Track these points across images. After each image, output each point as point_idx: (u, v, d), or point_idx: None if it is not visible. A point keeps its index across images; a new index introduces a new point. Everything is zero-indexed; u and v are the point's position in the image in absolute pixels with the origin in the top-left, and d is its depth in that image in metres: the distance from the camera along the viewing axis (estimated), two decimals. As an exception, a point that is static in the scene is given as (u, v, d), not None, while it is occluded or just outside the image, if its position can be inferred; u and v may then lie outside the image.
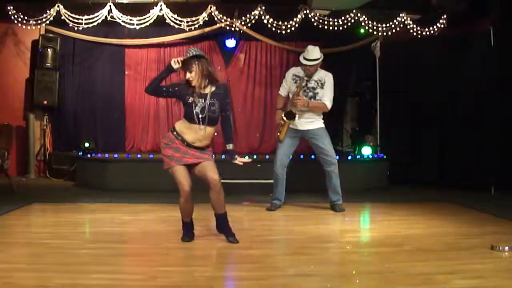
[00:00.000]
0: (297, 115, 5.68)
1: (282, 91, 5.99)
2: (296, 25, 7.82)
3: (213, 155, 4.35)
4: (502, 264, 3.77)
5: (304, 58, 5.68)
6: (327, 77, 5.80)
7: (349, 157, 8.08)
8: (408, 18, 7.96)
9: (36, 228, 4.80)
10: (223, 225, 4.34)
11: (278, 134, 5.87)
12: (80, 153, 8.11)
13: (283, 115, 5.75)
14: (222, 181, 7.15)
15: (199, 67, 4.09)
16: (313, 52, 5.66)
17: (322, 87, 5.77)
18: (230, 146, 4.37)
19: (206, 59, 4.17)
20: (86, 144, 8.28)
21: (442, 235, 4.68)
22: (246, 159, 4.43)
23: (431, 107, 8.17)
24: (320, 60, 5.71)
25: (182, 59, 4.14)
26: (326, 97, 5.76)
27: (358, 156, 8.18)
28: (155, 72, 9.04)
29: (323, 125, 5.90)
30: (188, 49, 4.22)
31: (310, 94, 5.77)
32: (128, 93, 9.14)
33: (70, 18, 7.59)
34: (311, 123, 5.83)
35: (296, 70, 5.87)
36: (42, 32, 8.42)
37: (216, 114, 4.22)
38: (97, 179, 7.55)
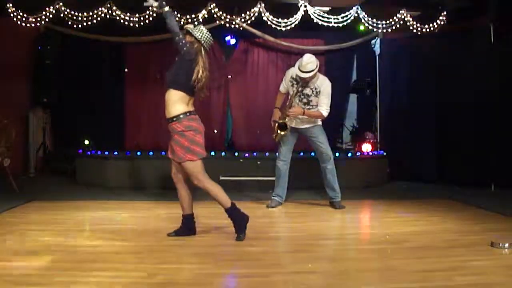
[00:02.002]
0: (288, 128, 5.80)
1: (282, 88, 6.01)
2: (296, 22, 7.80)
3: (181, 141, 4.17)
4: (502, 261, 3.77)
5: (299, 70, 5.65)
6: (323, 86, 5.77)
7: (349, 154, 8.07)
8: (408, 15, 7.94)
9: (35, 226, 4.79)
10: (231, 219, 4.33)
11: (274, 136, 5.95)
12: (80, 151, 8.09)
13: (276, 127, 5.83)
14: (223, 178, 7.25)
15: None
16: (308, 64, 5.60)
17: (316, 95, 5.77)
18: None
19: (200, 41, 4.22)
20: (86, 142, 8.27)
21: (442, 232, 4.69)
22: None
23: (431, 104, 8.16)
24: (315, 71, 5.65)
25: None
26: (322, 105, 5.76)
27: (358, 153, 8.18)
28: (154, 70, 9.03)
29: (319, 123, 5.95)
30: (197, 25, 4.36)
31: (304, 100, 5.81)
32: (128, 90, 9.12)
33: (70, 16, 7.57)
34: (308, 121, 5.86)
35: (294, 72, 5.79)
36: (42, 29, 8.40)
37: (172, 73, 4.21)
38: (97, 177, 7.55)
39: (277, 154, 6.21)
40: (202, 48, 4.23)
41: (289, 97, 5.88)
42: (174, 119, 4.15)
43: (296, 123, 5.87)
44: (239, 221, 4.30)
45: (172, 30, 4.14)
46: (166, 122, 4.25)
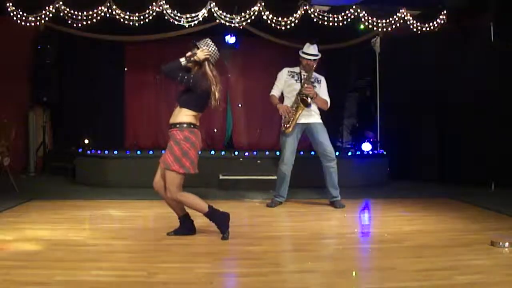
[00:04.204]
0: (310, 102, 5.73)
1: (275, 91, 6.02)
2: (296, 21, 7.80)
3: (179, 144, 4.12)
4: (502, 260, 3.77)
5: (307, 54, 5.81)
6: (322, 78, 6.02)
7: (349, 153, 8.07)
8: (408, 14, 7.94)
9: (35, 225, 4.79)
10: (212, 222, 4.34)
11: (286, 126, 5.81)
12: (80, 150, 8.09)
13: (299, 99, 5.75)
14: (222, 177, 7.25)
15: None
16: (315, 48, 5.86)
17: (319, 84, 5.93)
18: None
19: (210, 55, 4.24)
20: (86, 141, 8.27)
21: (442, 231, 4.69)
22: None
23: (431, 102, 8.16)
24: (319, 56, 5.89)
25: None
26: (326, 96, 5.94)
27: (358, 152, 8.18)
28: (154, 69, 9.02)
29: (321, 121, 5.96)
30: (204, 39, 4.30)
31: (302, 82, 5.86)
32: (128, 90, 9.12)
33: (70, 15, 7.56)
34: (312, 116, 5.89)
35: (290, 68, 6.02)
36: (42, 28, 8.38)
37: (185, 95, 4.20)
38: (97, 176, 7.55)
39: (277, 155, 6.19)
40: (209, 63, 4.23)
41: (303, 82, 5.82)
42: (177, 125, 4.15)
43: (305, 117, 5.84)
44: (221, 222, 4.31)
45: (172, 75, 4.15)
46: (168, 128, 4.24)
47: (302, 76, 5.88)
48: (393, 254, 3.89)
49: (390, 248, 4.08)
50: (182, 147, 4.11)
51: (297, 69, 5.96)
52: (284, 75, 5.97)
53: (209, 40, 4.32)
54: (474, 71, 7.54)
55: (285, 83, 5.94)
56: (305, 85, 5.77)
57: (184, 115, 4.16)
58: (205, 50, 4.21)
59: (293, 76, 5.92)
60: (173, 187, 4.14)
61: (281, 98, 6.04)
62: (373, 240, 4.56)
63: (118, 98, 9.06)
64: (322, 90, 5.93)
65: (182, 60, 4.17)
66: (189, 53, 4.22)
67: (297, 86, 5.85)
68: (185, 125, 4.13)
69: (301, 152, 7.41)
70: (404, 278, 3.31)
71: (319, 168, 6.03)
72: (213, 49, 4.26)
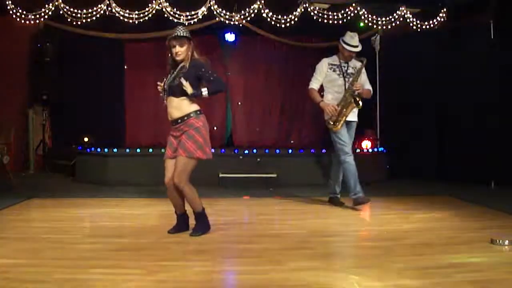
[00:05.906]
0: (360, 102, 5.63)
1: (315, 84, 5.79)
2: (296, 19, 7.79)
3: (195, 139, 4.14)
4: (502, 258, 3.76)
5: (349, 45, 5.65)
6: (359, 64, 5.80)
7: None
8: (408, 12, 7.94)
9: (35, 223, 4.80)
10: (195, 220, 4.38)
11: (334, 123, 5.63)
12: (80, 148, 8.09)
13: (352, 101, 5.59)
14: (222, 175, 7.24)
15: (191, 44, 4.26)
16: (357, 39, 5.68)
17: (358, 74, 5.76)
18: (204, 91, 4.14)
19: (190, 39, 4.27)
20: (86, 139, 8.26)
21: (441, 229, 4.69)
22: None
23: (431, 101, 8.16)
24: (361, 48, 5.73)
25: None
26: (368, 84, 5.83)
27: (358, 150, 8.17)
28: (154, 66, 9.02)
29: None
30: (178, 28, 4.33)
31: (351, 79, 5.73)
32: (127, 87, 9.11)
33: (69, 13, 7.56)
34: (354, 113, 5.79)
35: (329, 60, 5.81)
36: (41, 26, 8.38)
37: (176, 83, 4.16)
38: (97, 174, 7.55)
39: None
40: (194, 49, 4.26)
41: (353, 79, 5.68)
42: (192, 114, 4.17)
43: (351, 115, 5.71)
44: (203, 223, 4.36)
45: (219, 87, 4.23)
46: (175, 123, 4.20)
47: (343, 68, 5.72)
48: (393, 252, 3.89)
49: (389, 246, 4.08)
50: (203, 134, 4.17)
51: (336, 60, 5.78)
52: (324, 67, 5.75)
53: (177, 28, 4.32)
54: (474, 69, 7.54)
55: (326, 77, 5.76)
56: (355, 82, 5.62)
57: (188, 104, 4.18)
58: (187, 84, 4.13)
59: (334, 70, 5.73)
60: (185, 174, 4.16)
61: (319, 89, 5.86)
62: (372, 238, 4.56)
63: (118, 95, 9.06)
64: (363, 78, 5.79)
65: (204, 91, 4.14)
66: (191, 91, 4.14)
67: (341, 81, 5.69)
68: (198, 112, 4.20)
69: (301, 150, 7.41)
70: (403, 275, 3.31)
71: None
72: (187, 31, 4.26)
